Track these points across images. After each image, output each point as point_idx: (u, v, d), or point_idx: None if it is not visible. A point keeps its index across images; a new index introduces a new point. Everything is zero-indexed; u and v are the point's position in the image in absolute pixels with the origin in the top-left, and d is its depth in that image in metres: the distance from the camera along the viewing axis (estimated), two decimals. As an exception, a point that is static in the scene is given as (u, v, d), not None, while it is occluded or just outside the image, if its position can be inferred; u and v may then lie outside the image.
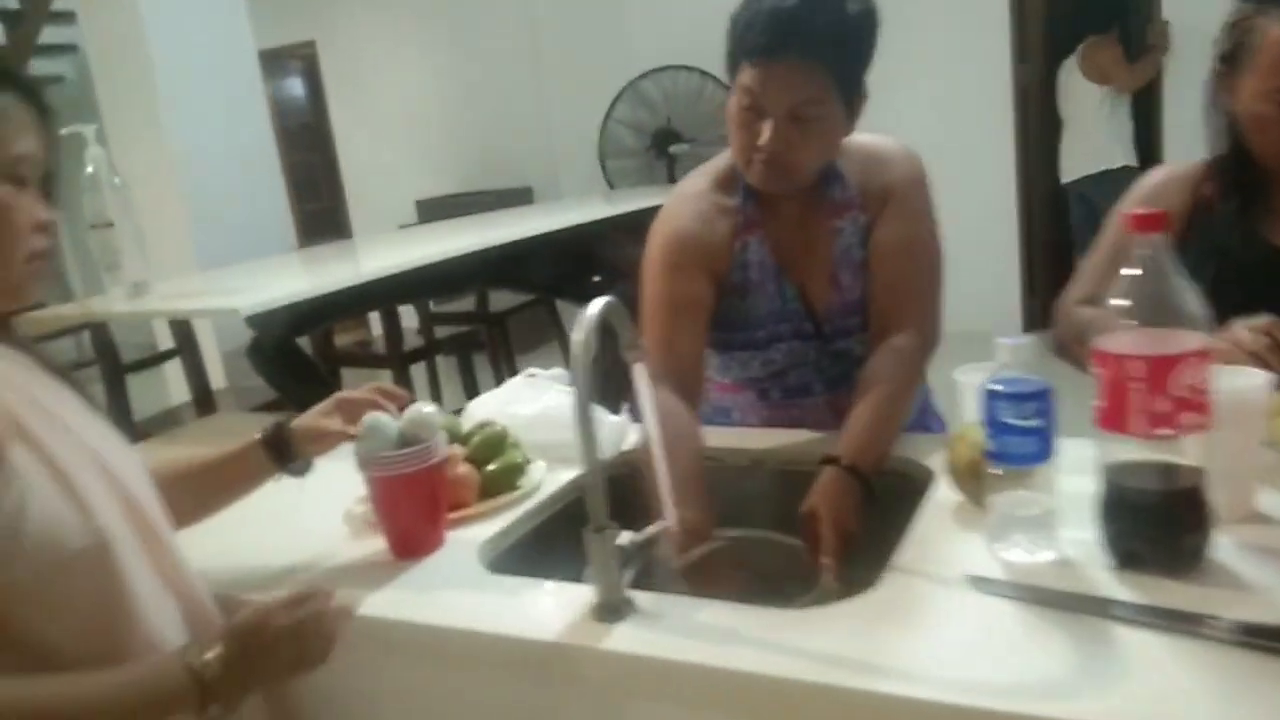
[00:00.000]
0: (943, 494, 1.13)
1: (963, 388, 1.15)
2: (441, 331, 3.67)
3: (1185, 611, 0.81)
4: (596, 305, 0.96)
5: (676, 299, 1.35)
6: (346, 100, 6.88)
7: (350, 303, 2.36)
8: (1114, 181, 4.53)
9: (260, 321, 2.04)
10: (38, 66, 7.38)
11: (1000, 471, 0.94)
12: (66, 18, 6.95)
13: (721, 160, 1.41)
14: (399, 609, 1.02)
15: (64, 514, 0.80)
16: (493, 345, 3.81)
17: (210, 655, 0.79)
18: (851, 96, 1.27)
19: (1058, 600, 0.87)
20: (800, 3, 1.19)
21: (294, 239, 3.73)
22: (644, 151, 5.71)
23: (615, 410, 1.47)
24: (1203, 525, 0.89)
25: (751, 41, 1.22)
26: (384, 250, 3.01)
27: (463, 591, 1.05)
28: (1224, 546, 0.91)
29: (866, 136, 1.39)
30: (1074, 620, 0.84)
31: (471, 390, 3.61)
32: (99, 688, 0.78)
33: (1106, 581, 0.89)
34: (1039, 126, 5.09)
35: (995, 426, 0.93)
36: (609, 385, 1.58)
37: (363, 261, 2.84)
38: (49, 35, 7.21)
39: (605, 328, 0.98)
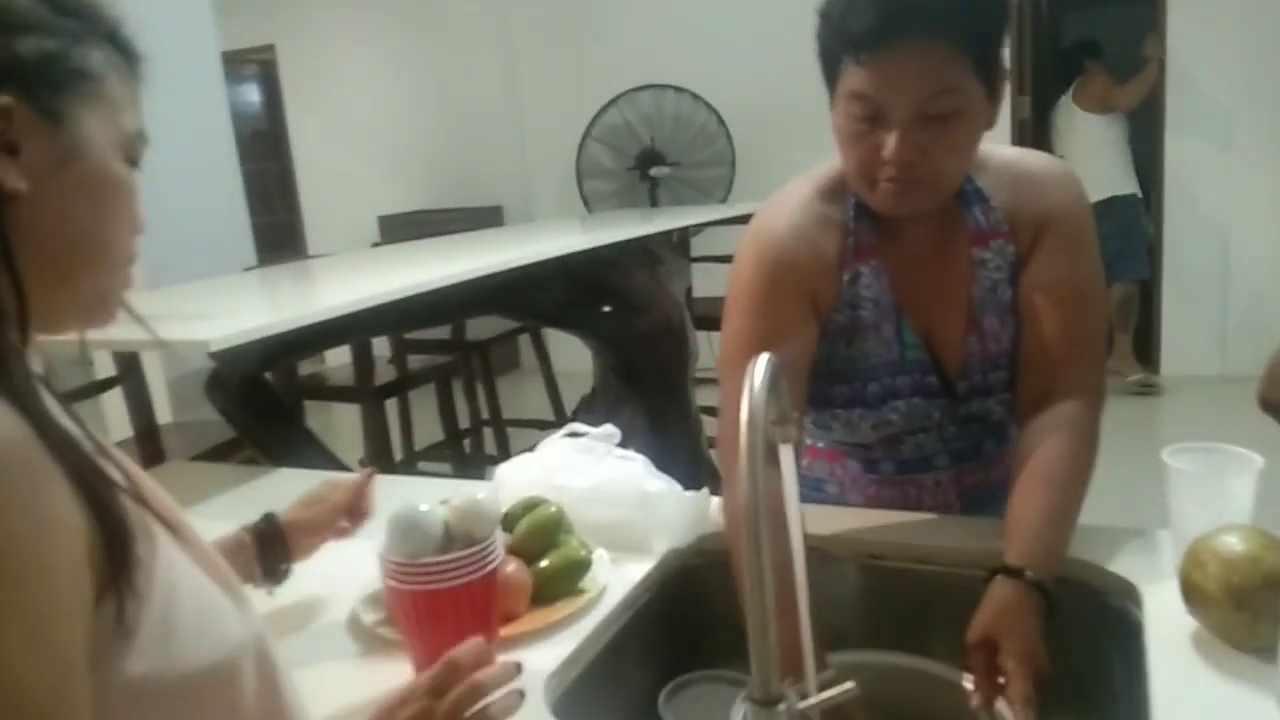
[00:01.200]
0: (1166, 621, 0.85)
1: (1172, 472, 0.88)
2: (414, 361, 3.34)
3: None
4: (763, 362, 0.67)
5: (768, 338, 1.03)
6: (306, 107, 6.52)
7: (329, 335, 2.03)
8: (1119, 209, 4.47)
9: (225, 356, 1.70)
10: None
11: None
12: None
13: (827, 168, 1.11)
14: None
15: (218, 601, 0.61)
16: (469, 376, 3.49)
17: None
18: (992, 76, 0.97)
19: None
20: None
21: (253, 254, 3.37)
22: (624, 173, 5.44)
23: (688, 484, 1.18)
24: None
25: (856, 30, 0.93)
26: (353, 272, 2.67)
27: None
28: None
29: (1016, 151, 1.12)
30: None
31: (451, 427, 3.28)
32: None
33: None
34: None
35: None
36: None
37: (334, 285, 2.50)
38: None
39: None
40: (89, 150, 0.59)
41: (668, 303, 2.57)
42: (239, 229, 3.35)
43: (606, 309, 2.50)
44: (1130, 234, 4.53)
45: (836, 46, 0.96)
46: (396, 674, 0.86)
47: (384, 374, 3.12)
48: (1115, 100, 4.53)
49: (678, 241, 3.28)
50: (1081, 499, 0.98)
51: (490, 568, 0.81)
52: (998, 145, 1.09)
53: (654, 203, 5.26)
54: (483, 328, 3.67)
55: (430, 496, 0.88)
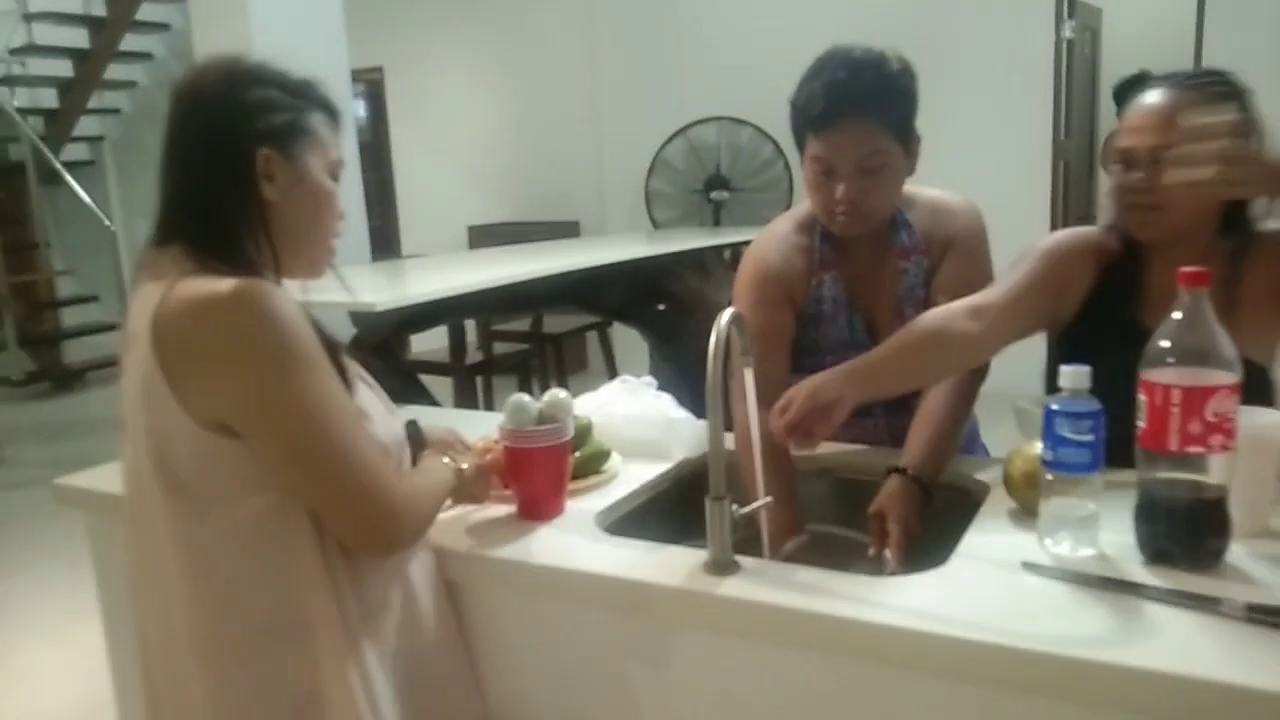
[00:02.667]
0: (998, 502, 1.31)
1: (1023, 414, 1.34)
2: (499, 348, 3.89)
3: (1203, 594, 0.99)
4: (727, 314, 1.16)
5: (765, 328, 1.54)
6: (408, 124, 7.19)
7: (437, 314, 2.58)
8: None
9: (366, 321, 2.26)
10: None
11: (1051, 477, 1.13)
12: (161, 28, 7.29)
13: (802, 209, 1.63)
14: (540, 557, 1.22)
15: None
16: (544, 364, 4.03)
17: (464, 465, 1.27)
18: (907, 141, 1.48)
19: (1097, 583, 1.05)
20: (848, 74, 1.42)
21: (368, 253, 3.96)
22: (690, 195, 5.96)
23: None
24: (1223, 532, 1.08)
25: (814, 115, 1.44)
26: (453, 268, 3.23)
27: (592, 545, 1.24)
28: (1239, 554, 1.10)
29: (934, 190, 1.61)
30: (1111, 598, 1.02)
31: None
32: (430, 476, 1.20)
33: (1139, 572, 1.08)
34: (1076, 197, 5.34)
35: (1054, 439, 1.12)
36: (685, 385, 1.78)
37: (440, 276, 3.06)
38: (156, 43, 7.55)
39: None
40: (309, 175, 1.12)
41: (712, 306, 3.06)
42: (358, 230, 3.94)
43: (661, 307, 3.01)
44: None
45: (801, 126, 1.47)
46: (497, 511, 1.36)
47: (473, 356, 3.67)
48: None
49: (730, 257, 3.78)
50: (958, 427, 1.46)
51: (566, 437, 1.32)
52: (924, 188, 1.58)
53: (717, 222, 5.75)
54: (557, 324, 4.21)
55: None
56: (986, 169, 5.21)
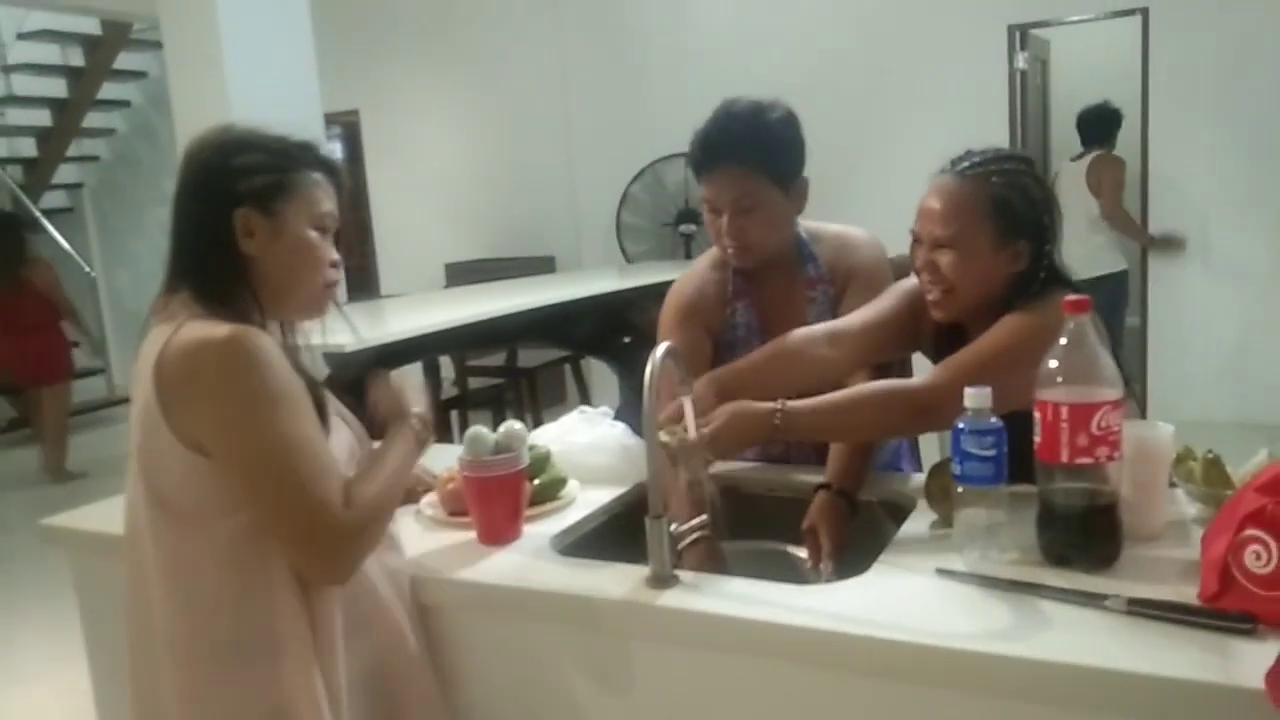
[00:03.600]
0: (920, 514, 1.42)
1: (942, 433, 1.45)
2: (474, 382, 3.98)
3: (1091, 592, 1.10)
4: (662, 348, 1.27)
5: (687, 349, 1.63)
6: (385, 165, 7.31)
7: (411, 350, 2.67)
8: (1110, 285, 4.71)
9: (337, 360, 2.35)
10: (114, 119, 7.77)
11: (962, 489, 1.23)
12: (139, 76, 7.38)
13: (716, 249, 1.76)
14: (496, 578, 1.31)
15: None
16: (519, 397, 4.12)
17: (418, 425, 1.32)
18: (787, 184, 1.62)
19: (1002, 585, 1.16)
20: (722, 126, 1.60)
21: (344, 292, 4.06)
22: (660, 229, 6.09)
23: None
24: (1115, 536, 1.19)
25: (696, 163, 1.63)
26: (429, 307, 3.34)
27: (546, 566, 1.34)
28: (1133, 556, 1.20)
29: (839, 226, 1.77)
30: (1014, 598, 1.13)
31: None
32: (392, 456, 1.26)
33: (1041, 575, 1.18)
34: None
35: (961, 455, 1.22)
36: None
37: (415, 314, 3.16)
38: (134, 91, 7.62)
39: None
40: (288, 229, 1.22)
41: (678, 337, 3.18)
42: (334, 271, 4.04)
43: (627, 340, 3.12)
44: (1115, 310, 4.73)
45: (694, 171, 1.65)
46: (458, 538, 1.45)
47: (448, 392, 3.76)
48: (1108, 207, 4.73)
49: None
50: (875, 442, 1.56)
51: (521, 466, 1.42)
52: (829, 224, 1.75)
53: (688, 255, 5.88)
54: (532, 358, 4.32)
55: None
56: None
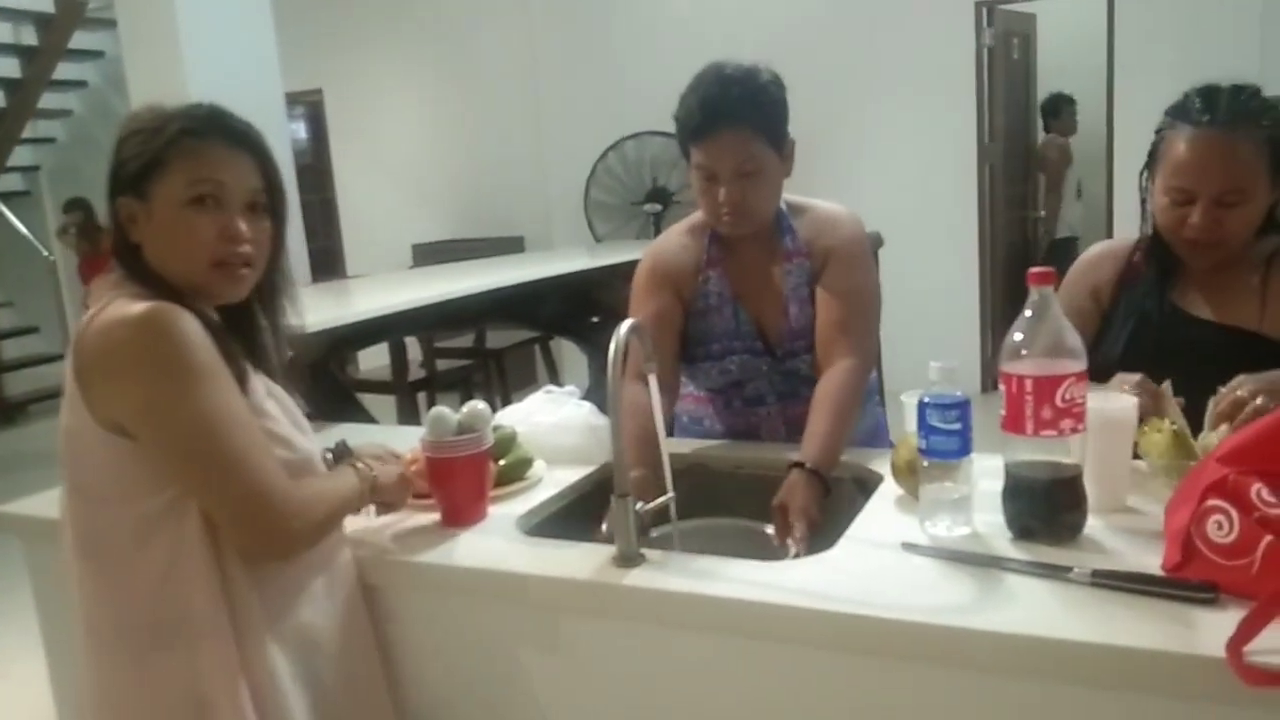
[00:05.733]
0: (888, 489, 1.42)
1: (905, 406, 1.44)
2: (442, 364, 3.94)
3: (1055, 564, 1.10)
4: (626, 324, 1.25)
5: (655, 313, 1.69)
6: (349, 145, 7.21)
7: (376, 331, 2.64)
8: (1063, 249, 5.35)
9: (300, 342, 2.30)
10: (66, 99, 7.62)
11: (927, 464, 1.23)
12: (95, 55, 7.22)
13: (696, 216, 1.75)
14: (459, 559, 1.29)
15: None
16: (488, 379, 4.09)
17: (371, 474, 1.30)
18: (779, 145, 1.61)
19: (967, 559, 1.15)
20: (720, 88, 1.56)
21: (308, 275, 4.01)
22: (629, 208, 6.06)
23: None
24: (1079, 507, 1.19)
25: (693, 128, 1.58)
26: (395, 287, 3.29)
27: (510, 547, 1.32)
28: (1097, 528, 1.21)
29: (821, 201, 1.74)
30: (978, 571, 1.13)
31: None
32: (333, 481, 1.26)
33: (1006, 548, 1.18)
34: (1001, 199, 5.55)
35: (926, 429, 1.22)
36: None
37: (380, 295, 3.12)
38: (90, 71, 7.46)
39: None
40: (159, 209, 1.16)
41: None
42: (296, 252, 3.98)
43: (595, 320, 3.09)
44: None
45: (684, 138, 1.60)
46: (422, 520, 1.43)
47: (416, 374, 3.73)
48: (1053, 174, 5.48)
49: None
50: (850, 418, 1.56)
51: (484, 446, 1.39)
52: (812, 199, 1.71)
53: (658, 233, 5.85)
54: (500, 339, 4.28)
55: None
56: (916, 173, 5.39)
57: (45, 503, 1.59)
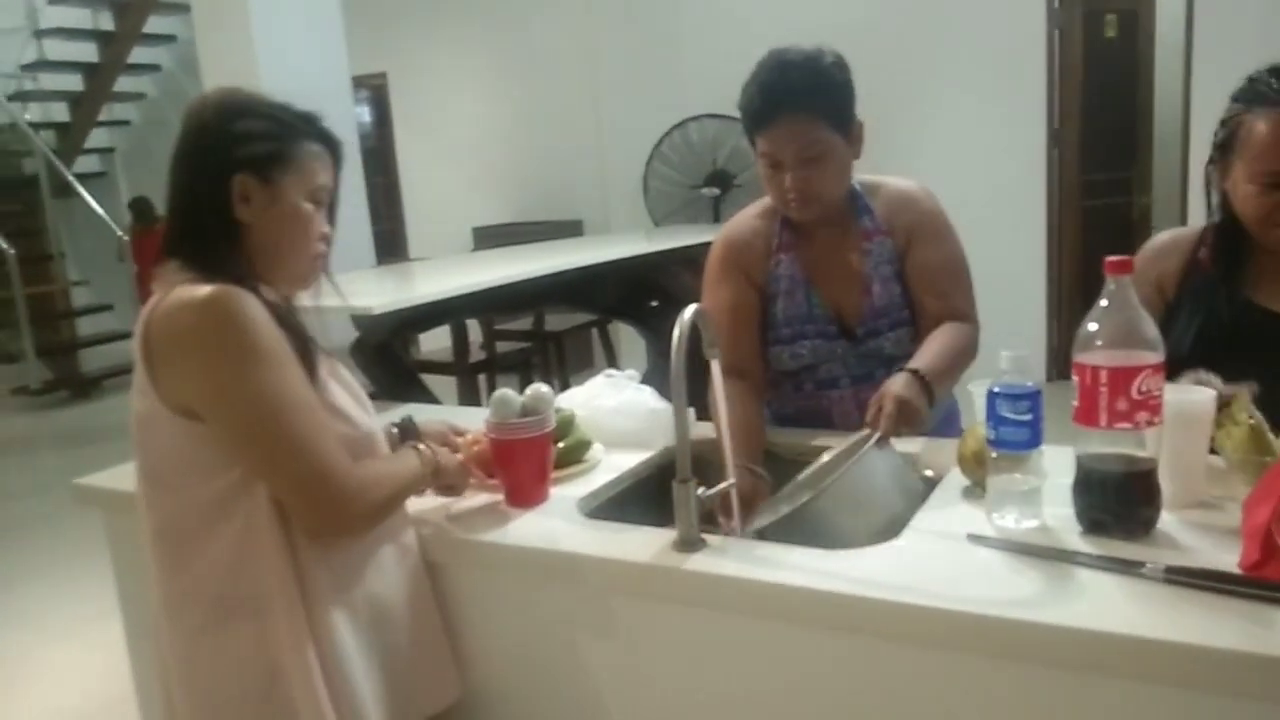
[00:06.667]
0: (954, 479, 1.40)
1: (973, 395, 1.42)
2: (502, 346, 3.98)
3: (1128, 559, 1.08)
4: (690, 309, 1.25)
5: (733, 303, 1.69)
6: (412, 129, 7.29)
7: (438, 314, 2.67)
8: None
9: (366, 323, 2.35)
10: (143, 83, 7.82)
11: (996, 455, 1.21)
12: (168, 40, 7.39)
13: (767, 199, 1.74)
14: (522, 539, 1.31)
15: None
16: (546, 361, 4.12)
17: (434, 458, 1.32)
18: (845, 128, 1.59)
19: (1035, 551, 1.13)
20: (779, 74, 1.54)
21: (373, 257, 4.06)
22: (689, 191, 6.03)
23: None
24: (1153, 502, 1.16)
25: (754, 116, 1.58)
26: (456, 270, 3.33)
27: (571, 528, 1.33)
28: (1171, 523, 1.18)
29: (893, 179, 1.73)
30: (1046, 565, 1.11)
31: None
32: (395, 463, 1.28)
33: (1076, 542, 1.16)
34: (1075, 185, 5.42)
35: (995, 420, 1.20)
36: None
37: (442, 278, 3.15)
38: (163, 55, 7.65)
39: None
40: (284, 198, 1.21)
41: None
42: (362, 234, 4.05)
43: (654, 304, 3.09)
44: None
45: (748, 126, 1.59)
46: (485, 499, 1.45)
47: (476, 355, 3.77)
48: None
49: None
50: (962, 354, 1.55)
51: (547, 429, 1.41)
52: (887, 177, 1.71)
53: (716, 218, 5.82)
54: (559, 322, 4.31)
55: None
56: (982, 157, 5.28)
57: (122, 476, 1.65)
